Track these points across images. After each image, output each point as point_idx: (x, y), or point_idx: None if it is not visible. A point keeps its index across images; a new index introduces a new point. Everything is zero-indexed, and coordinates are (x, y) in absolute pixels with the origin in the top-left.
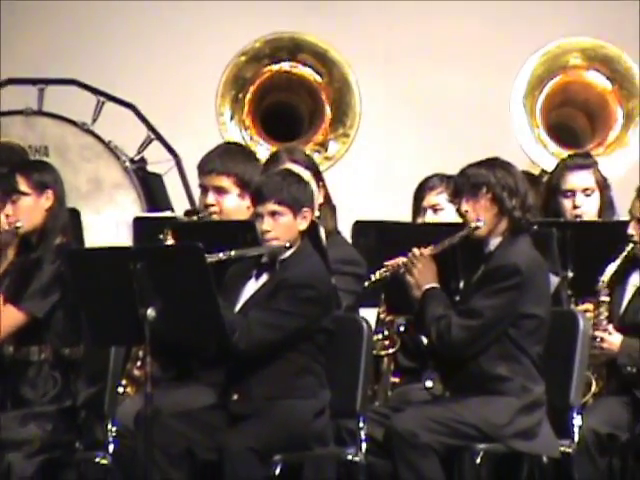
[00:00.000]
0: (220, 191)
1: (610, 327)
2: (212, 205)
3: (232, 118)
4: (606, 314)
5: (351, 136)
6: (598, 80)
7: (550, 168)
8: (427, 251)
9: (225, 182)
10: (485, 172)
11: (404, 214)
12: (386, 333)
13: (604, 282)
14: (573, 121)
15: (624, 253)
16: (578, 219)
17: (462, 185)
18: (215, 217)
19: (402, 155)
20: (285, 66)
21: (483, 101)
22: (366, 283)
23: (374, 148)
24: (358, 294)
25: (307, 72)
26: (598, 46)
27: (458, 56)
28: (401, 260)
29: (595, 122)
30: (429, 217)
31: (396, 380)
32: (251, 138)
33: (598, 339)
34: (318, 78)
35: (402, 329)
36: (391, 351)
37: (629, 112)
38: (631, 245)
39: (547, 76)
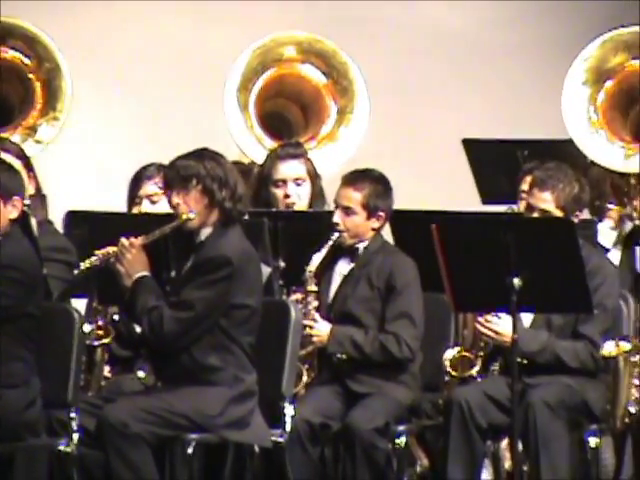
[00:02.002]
0: None
1: (317, 316)
2: None
3: None
4: (315, 303)
5: (61, 120)
6: (313, 74)
7: (262, 160)
8: (137, 241)
9: None
10: (194, 163)
11: (120, 203)
12: (100, 323)
13: (311, 272)
14: (287, 113)
15: (330, 242)
16: (289, 209)
17: (172, 177)
18: None
19: (116, 142)
20: None
21: (196, 92)
22: (76, 271)
23: (87, 134)
24: (69, 282)
25: (16, 56)
26: (313, 40)
27: (170, 53)
28: (111, 249)
29: (309, 115)
30: (146, 207)
31: (108, 374)
32: None
33: (308, 328)
34: (27, 61)
35: (116, 318)
36: (105, 341)
37: (342, 108)
38: (336, 234)
39: (261, 69)
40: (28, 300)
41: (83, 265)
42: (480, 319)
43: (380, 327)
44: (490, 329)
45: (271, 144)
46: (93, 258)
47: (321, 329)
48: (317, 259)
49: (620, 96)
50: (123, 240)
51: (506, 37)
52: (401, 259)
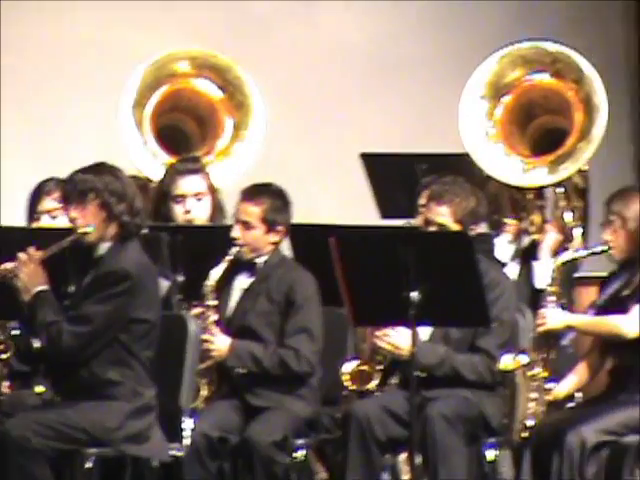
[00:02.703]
0: None
1: (216, 330)
2: None
3: None
4: (214, 317)
5: None
6: (208, 88)
7: (158, 177)
8: (35, 255)
9: None
10: (92, 177)
11: (19, 218)
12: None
13: (210, 286)
14: (183, 127)
15: (229, 257)
16: (188, 223)
17: (70, 191)
18: None
19: (13, 157)
20: None
21: (93, 110)
22: None
23: None
24: None
25: None
26: (209, 55)
27: (75, 62)
28: (9, 265)
29: (205, 130)
30: (46, 222)
31: (7, 389)
32: None
33: (207, 343)
34: None
35: (15, 333)
36: (4, 356)
37: (238, 124)
38: (235, 248)
39: (156, 84)
40: None
41: None
42: (378, 333)
43: (279, 341)
44: (388, 342)
45: (167, 159)
46: None
47: (220, 343)
48: (216, 273)
49: (518, 111)
50: (21, 255)
51: (405, 51)
52: (300, 274)
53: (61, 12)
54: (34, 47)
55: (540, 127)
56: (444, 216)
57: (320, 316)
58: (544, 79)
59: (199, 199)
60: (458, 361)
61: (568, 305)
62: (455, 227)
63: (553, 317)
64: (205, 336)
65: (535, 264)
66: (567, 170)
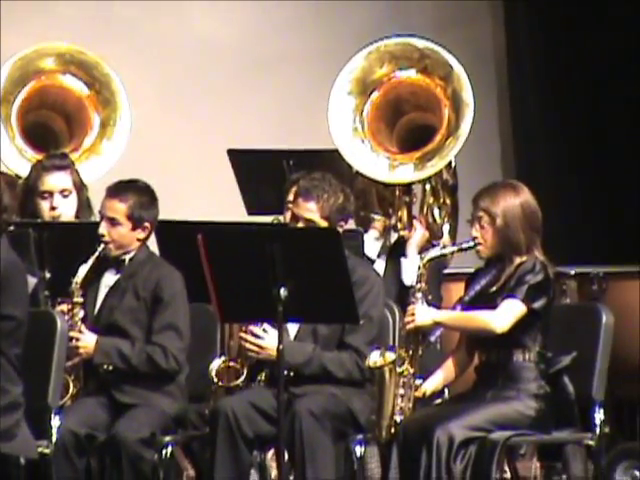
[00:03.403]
0: None
1: (83, 327)
2: None
3: None
4: (81, 314)
5: None
6: (75, 85)
7: (25, 173)
8: None
9: None
10: None
11: None
12: None
13: (77, 283)
14: (51, 124)
15: (96, 254)
16: (55, 220)
17: None
18: None
19: None
20: None
21: None
22: None
23: None
24: None
25: None
26: (76, 51)
27: None
28: None
29: (72, 126)
30: None
31: None
32: None
33: (74, 340)
34: None
35: None
36: None
37: (105, 120)
38: (102, 245)
39: (23, 80)
40: None
41: None
42: (243, 335)
43: (147, 338)
44: (254, 344)
45: (34, 155)
46: None
47: (87, 340)
48: (83, 270)
49: (386, 107)
50: None
51: (275, 48)
52: (167, 270)
53: None
54: None
55: (408, 124)
56: (312, 212)
57: (187, 313)
58: (412, 75)
59: (65, 195)
60: (326, 359)
61: (437, 302)
62: (323, 223)
63: (421, 314)
64: (72, 333)
65: (403, 261)
66: (434, 167)
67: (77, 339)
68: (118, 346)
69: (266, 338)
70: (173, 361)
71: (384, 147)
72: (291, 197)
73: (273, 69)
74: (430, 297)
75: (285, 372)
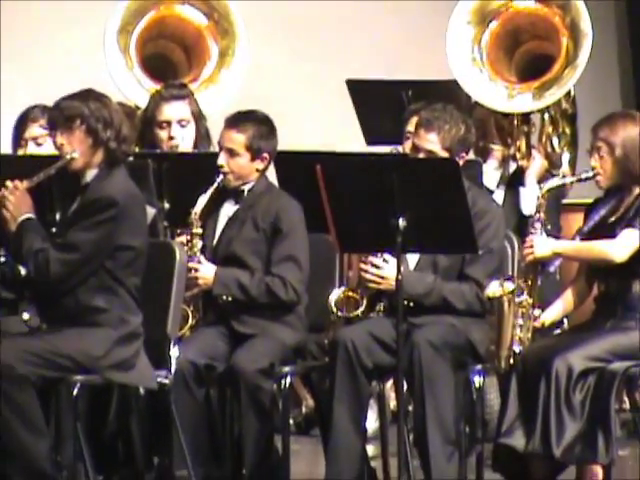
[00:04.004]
0: None
1: (202, 258)
2: None
3: None
4: (200, 245)
5: None
6: (193, 15)
7: (144, 104)
8: (21, 185)
9: None
10: (78, 104)
11: (5, 146)
12: None
13: (196, 213)
14: (169, 55)
15: (214, 185)
16: (173, 150)
17: (56, 118)
18: None
19: (2, 83)
20: None
21: (76, 34)
22: None
23: None
24: None
25: None
26: None
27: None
28: None
29: (191, 57)
30: (32, 149)
31: None
32: None
33: (193, 271)
34: None
35: (1, 260)
36: None
37: (224, 50)
38: (221, 176)
39: (142, 11)
40: None
41: None
42: (363, 266)
43: (265, 269)
44: (375, 274)
45: (153, 86)
46: None
47: (206, 271)
48: (202, 201)
49: (504, 37)
50: (8, 184)
51: None
52: (286, 201)
53: None
54: None
55: (527, 53)
56: (433, 143)
57: (306, 244)
58: (530, 5)
59: (183, 125)
60: (446, 289)
61: (556, 231)
62: (444, 154)
63: (540, 245)
64: (191, 264)
65: (522, 190)
66: (553, 96)
67: (196, 270)
68: (237, 277)
69: (386, 268)
70: (292, 292)
71: (502, 76)
72: (411, 127)
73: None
74: (549, 227)
75: (405, 302)
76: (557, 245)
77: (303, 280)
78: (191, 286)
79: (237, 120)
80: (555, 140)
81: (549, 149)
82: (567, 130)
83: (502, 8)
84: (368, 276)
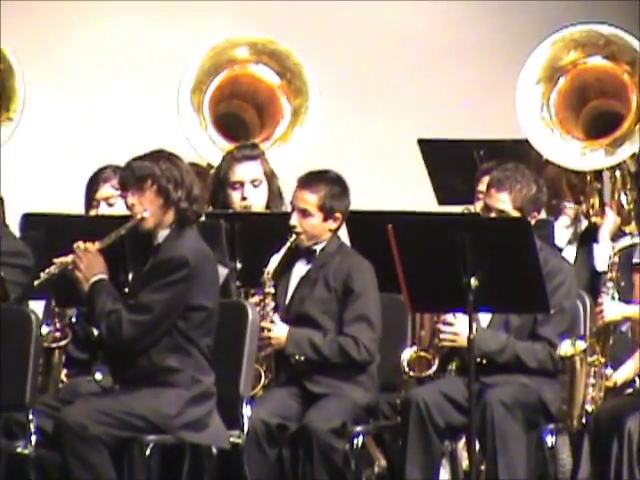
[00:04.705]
0: None
1: (276, 317)
2: None
3: None
4: (272, 305)
5: (15, 120)
6: (266, 74)
7: (217, 162)
8: (93, 246)
9: None
10: (149, 164)
11: (76, 205)
12: (57, 325)
13: (269, 273)
14: (242, 114)
15: (287, 244)
16: (246, 210)
17: (127, 178)
18: None
19: (71, 144)
20: None
21: (150, 94)
22: (36, 282)
23: (42, 135)
24: (25, 286)
25: None
26: (267, 41)
27: (124, 55)
28: (70, 257)
29: (264, 116)
30: (103, 210)
31: (64, 378)
32: None
33: (266, 330)
34: None
35: (74, 320)
36: (62, 343)
37: (297, 108)
38: (294, 236)
39: (215, 70)
40: None
41: (42, 275)
42: (438, 325)
43: (338, 329)
44: (450, 332)
45: (225, 145)
46: (52, 267)
47: (279, 331)
48: (275, 261)
49: (572, 94)
50: (80, 245)
51: (460, 37)
52: (358, 261)
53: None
54: (92, 45)
55: (593, 111)
56: (504, 202)
57: (378, 303)
58: (598, 62)
59: (256, 185)
60: (519, 348)
61: (628, 289)
62: (515, 214)
63: (610, 310)
64: (264, 324)
65: (595, 246)
66: (625, 151)
67: (269, 330)
68: (310, 336)
69: (458, 325)
70: (365, 351)
71: (572, 134)
72: (482, 187)
73: (459, 58)
74: (622, 284)
75: (478, 360)
76: (627, 310)
77: (376, 339)
78: (264, 346)
79: (310, 180)
80: (623, 197)
81: (620, 205)
82: (631, 187)
83: (570, 65)
84: (443, 335)
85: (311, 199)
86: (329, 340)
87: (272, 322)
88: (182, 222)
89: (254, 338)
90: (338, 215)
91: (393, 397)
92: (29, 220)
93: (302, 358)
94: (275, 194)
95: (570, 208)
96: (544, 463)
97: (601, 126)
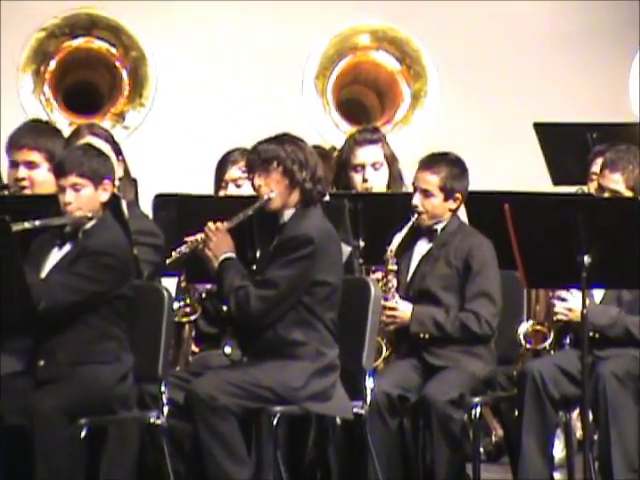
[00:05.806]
0: (31, 165)
1: (397, 297)
2: (23, 179)
3: (33, 92)
4: (394, 282)
5: (147, 106)
6: (387, 60)
7: (340, 145)
8: (223, 225)
9: (36, 157)
10: (275, 147)
11: (204, 187)
12: (187, 301)
13: (392, 251)
14: (363, 99)
15: (410, 223)
16: (367, 191)
17: (254, 161)
18: (27, 191)
19: (200, 128)
20: (81, 41)
21: (276, 80)
22: (168, 260)
23: (172, 120)
24: (156, 264)
25: (103, 46)
26: (388, 28)
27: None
28: (199, 236)
29: (384, 101)
30: (231, 191)
31: (195, 349)
32: (51, 112)
33: (389, 309)
34: (113, 50)
35: (203, 296)
36: (192, 318)
37: (417, 92)
38: (416, 215)
39: (338, 57)
40: (122, 284)
41: (174, 254)
42: (555, 301)
43: (459, 305)
44: (563, 307)
45: (348, 128)
46: (183, 247)
47: (403, 310)
48: (398, 239)
49: None
50: (210, 225)
51: (576, 21)
52: (478, 239)
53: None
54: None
55: None
56: (617, 183)
57: (498, 279)
58: None
59: (376, 168)
60: (630, 322)
61: None
62: (628, 193)
63: None
64: (389, 303)
65: None
66: None
67: (394, 309)
68: (433, 315)
69: (573, 301)
70: (486, 326)
71: None
72: (596, 168)
73: (575, 42)
74: None
75: (590, 333)
76: None
77: (496, 314)
78: (389, 324)
79: (431, 162)
80: None
81: None
82: None
83: None
84: (557, 309)
85: (433, 180)
86: (452, 317)
87: (396, 302)
88: (307, 202)
89: (376, 313)
90: (458, 195)
91: (510, 369)
92: (161, 201)
93: (427, 336)
94: (395, 177)
95: None
96: None
97: None
